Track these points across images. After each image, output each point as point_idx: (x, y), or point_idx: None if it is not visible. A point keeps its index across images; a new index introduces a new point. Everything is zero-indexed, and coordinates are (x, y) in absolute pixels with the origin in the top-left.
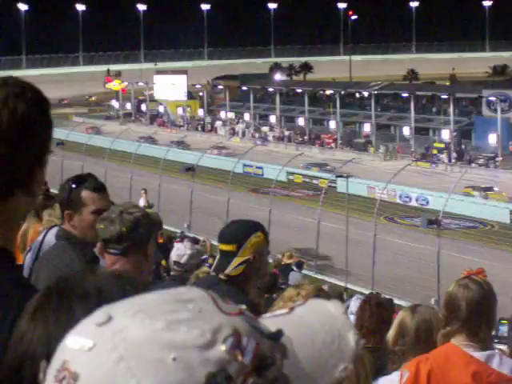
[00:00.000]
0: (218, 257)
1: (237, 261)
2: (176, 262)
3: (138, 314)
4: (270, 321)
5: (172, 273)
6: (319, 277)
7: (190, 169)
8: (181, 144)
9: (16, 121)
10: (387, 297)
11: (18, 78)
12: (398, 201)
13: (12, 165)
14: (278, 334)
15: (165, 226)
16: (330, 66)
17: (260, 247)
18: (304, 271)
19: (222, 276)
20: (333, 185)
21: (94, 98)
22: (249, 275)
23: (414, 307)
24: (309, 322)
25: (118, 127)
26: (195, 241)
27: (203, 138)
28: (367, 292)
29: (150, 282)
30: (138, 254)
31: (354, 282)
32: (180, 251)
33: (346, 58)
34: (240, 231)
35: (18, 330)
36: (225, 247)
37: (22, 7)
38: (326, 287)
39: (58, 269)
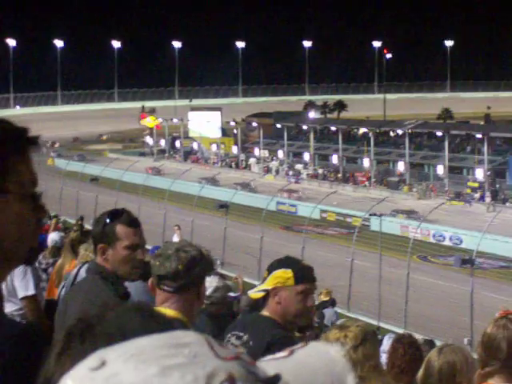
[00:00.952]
0: None
1: (259, 287)
2: None
3: (131, 359)
4: (269, 364)
5: None
6: (351, 315)
7: (223, 206)
8: (247, 187)
9: None
10: (425, 338)
11: None
12: (432, 240)
13: None
14: (275, 379)
15: None
16: (364, 104)
17: (282, 283)
18: (336, 309)
19: (265, 312)
20: (366, 223)
21: (105, 137)
22: (266, 306)
23: (442, 348)
24: (308, 366)
25: (153, 164)
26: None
27: (237, 175)
28: (400, 331)
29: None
30: (191, 293)
31: (386, 320)
32: (206, 284)
33: (381, 96)
34: (276, 263)
35: (45, 371)
36: (264, 274)
37: (58, 43)
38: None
39: (91, 302)
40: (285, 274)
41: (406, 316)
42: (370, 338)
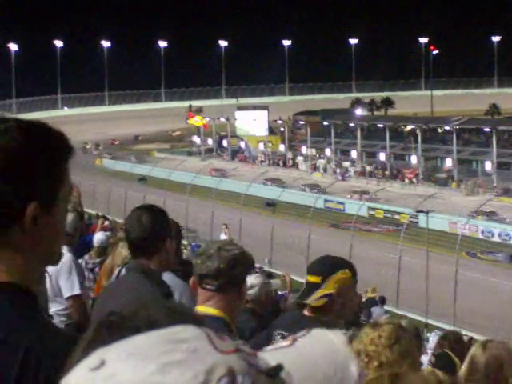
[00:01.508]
0: (304, 287)
1: (319, 293)
2: None
3: (130, 358)
4: (271, 354)
5: None
6: (400, 312)
7: (270, 204)
8: (315, 187)
9: None
10: (467, 333)
11: (20, 118)
12: (480, 236)
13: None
14: (277, 370)
15: None
16: (411, 101)
17: (345, 284)
18: (385, 306)
19: (305, 312)
20: (414, 220)
21: (141, 138)
22: (332, 310)
23: (486, 343)
24: (311, 354)
25: (215, 165)
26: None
27: (285, 174)
28: (448, 328)
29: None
30: (232, 292)
31: (434, 317)
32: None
33: (428, 92)
34: (328, 265)
35: (71, 362)
36: (311, 278)
37: (105, 44)
38: (404, 322)
39: (136, 300)
40: (345, 275)
41: (454, 312)
42: (404, 334)
